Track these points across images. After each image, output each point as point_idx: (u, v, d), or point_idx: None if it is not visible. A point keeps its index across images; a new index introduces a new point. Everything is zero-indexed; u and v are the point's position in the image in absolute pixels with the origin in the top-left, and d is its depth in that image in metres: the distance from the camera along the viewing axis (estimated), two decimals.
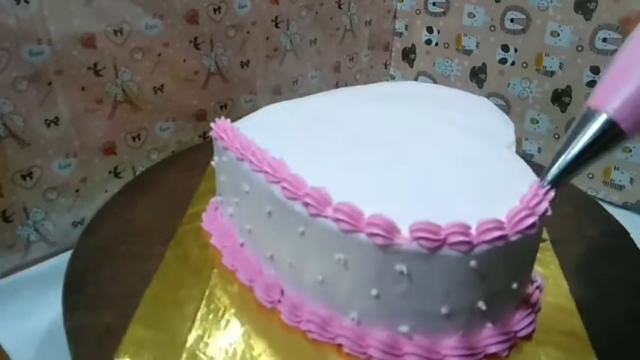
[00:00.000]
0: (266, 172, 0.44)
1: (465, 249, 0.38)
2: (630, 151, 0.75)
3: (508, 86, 0.84)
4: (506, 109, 0.85)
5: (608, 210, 0.63)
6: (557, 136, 0.81)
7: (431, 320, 0.41)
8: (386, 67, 1.01)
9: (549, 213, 0.40)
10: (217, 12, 0.72)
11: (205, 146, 0.74)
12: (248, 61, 0.79)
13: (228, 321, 0.46)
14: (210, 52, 0.74)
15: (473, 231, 0.38)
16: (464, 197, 0.42)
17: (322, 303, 0.44)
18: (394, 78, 1.01)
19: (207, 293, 0.48)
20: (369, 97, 0.59)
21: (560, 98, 0.79)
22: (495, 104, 0.63)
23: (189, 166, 0.68)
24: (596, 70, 0.75)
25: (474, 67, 0.87)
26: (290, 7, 0.81)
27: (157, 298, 0.48)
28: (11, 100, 0.58)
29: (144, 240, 0.56)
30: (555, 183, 0.42)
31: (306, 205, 0.40)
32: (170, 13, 0.67)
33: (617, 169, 0.77)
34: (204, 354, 0.43)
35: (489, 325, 0.42)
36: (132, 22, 0.64)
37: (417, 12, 0.92)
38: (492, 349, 0.42)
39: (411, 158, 0.47)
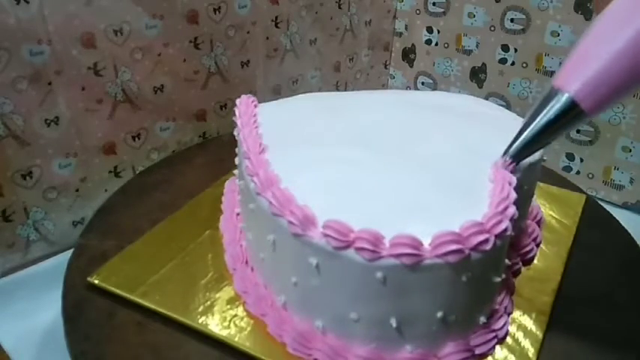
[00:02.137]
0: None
1: (370, 257, 0.37)
2: (630, 151, 0.75)
3: (508, 86, 0.84)
4: (506, 109, 0.85)
5: (608, 210, 0.63)
6: None
7: (342, 322, 0.41)
8: (386, 67, 1.01)
9: (488, 247, 0.38)
10: (217, 12, 0.72)
11: (205, 146, 0.75)
12: (248, 61, 0.79)
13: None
14: (210, 52, 0.74)
15: (386, 243, 0.38)
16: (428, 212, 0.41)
17: (263, 279, 0.47)
18: (394, 78, 1.01)
19: (188, 249, 0.54)
20: (398, 103, 0.59)
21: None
22: (495, 104, 0.64)
23: (190, 166, 0.68)
24: None
25: (474, 67, 0.87)
26: (290, 7, 0.81)
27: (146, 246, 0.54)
28: (11, 100, 0.58)
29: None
30: (517, 158, 0.44)
31: (256, 184, 0.44)
32: (170, 13, 0.67)
33: (617, 169, 0.77)
34: (161, 290, 0.49)
35: (407, 347, 0.41)
36: (132, 22, 0.64)
37: (417, 12, 0.92)
38: None
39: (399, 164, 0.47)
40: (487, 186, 0.43)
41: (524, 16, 0.79)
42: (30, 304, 0.58)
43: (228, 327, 0.45)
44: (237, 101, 0.56)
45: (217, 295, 0.48)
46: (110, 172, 0.70)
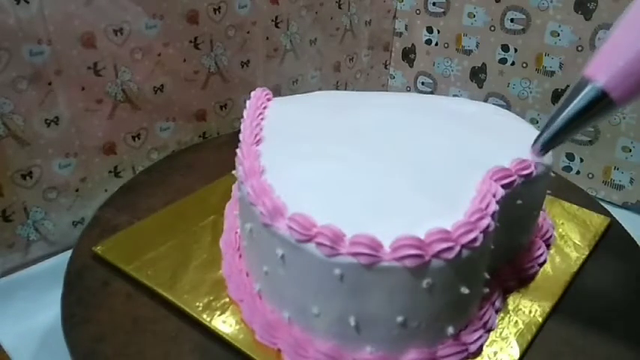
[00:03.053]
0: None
1: (329, 253, 0.38)
2: (630, 151, 0.75)
3: (508, 86, 0.84)
4: (506, 109, 0.85)
5: (608, 210, 0.63)
6: None
7: (305, 316, 0.41)
8: (386, 67, 1.01)
9: (451, 256, 0.38)
10: (217, 12, 0.72)
11: (205, 146, 0.75)
12: (248, 61, 0.79)
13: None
14: (210, 52, 0.74)
15: (346, 241, 0.38)
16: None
17: (245, 266, 0.49)
18: (394, 78, 1.01)
19: (190, 231, 0.56)
20: (409, 106, 0.58)
21: (560, 98, 0.79)
22: (495, 104, 0.63)
23: (190, 166, 0.68)
24: None
25: (474, 67, 0.87)
26: (290, 7, 0.81)
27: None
28: (11, 100, 0.58)
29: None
30: (546, 147, 0.46)
31: (240, 172, 0.46)
32: (170, 13, 0.67)
33: (617, 169, 0.77)
34: (153, 267, 0.51)
35: (367, 348, 0.41)
36: (132, 22, 0.64)
37: (417, 12, 0.92)
38: None
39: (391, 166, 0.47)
40: (471, 195, 0.42)
41: (524, 16, 0.79)
42: (30, 304, 0.58)
43: (208, 308, 0.47)
44: (252, 93, 0.58)
45: (205, 277, 0.50)
46: (110, 172, 0.70)
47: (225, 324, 0.45)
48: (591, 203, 0.65)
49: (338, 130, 0.52)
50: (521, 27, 0.80)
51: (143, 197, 0.62)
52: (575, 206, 0.62)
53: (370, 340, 0.41)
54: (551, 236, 0.56)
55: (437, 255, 0.38)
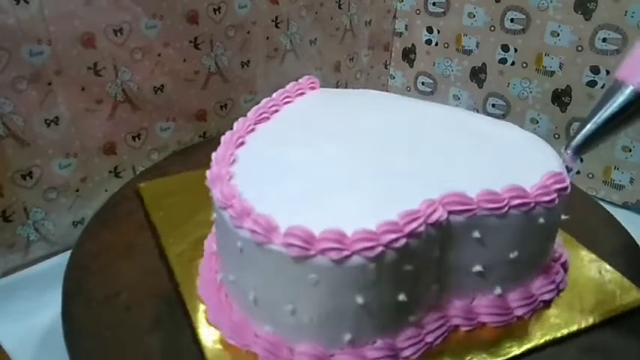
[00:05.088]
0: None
1: (261, 240, 0.39)
2: (630, 151, 0.75)
3: (508, 86, 0.84)
4: (506, 109, 0.85)
5: (608, 210, 0.63)
6: (557, 136, 0.81)
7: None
8: (386, 67, 1.01)
9: (336, 257, 0.37)
10: (217, 12, 0.72)
11: (205, 146, 0.75)
12: (248, 61, 0.79)
13: None
14: (210, 52, 0.74)
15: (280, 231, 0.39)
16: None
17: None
18: (394, 78, 1.01)
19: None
20: (430, 116, 0.56)
21: (560, 98, 0.79)
22: (495, 104, 0.63)
23: (190, 166, 0.68)
24: (596, 70, 0.75)
25: (474, 67, 0.87)
26: (290, 7, 0.81)
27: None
28: (11, 100, 0.58)
29: (144, 239, 0.56)
30: (579, 150, 0.44)
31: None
32: (170, 13, 0.67)
33: (617, 169, 0.77)
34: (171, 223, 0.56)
35: (266, 327, 0.42)
36: (132, 22, 0.64)
37: (417, 12, 0.92)
38: None
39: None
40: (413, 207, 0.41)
41: (524, 16, 0.79)
42: (30, 304, 0.58)
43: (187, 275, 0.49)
44: (301, 80, 0.61)
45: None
46: (110, 172, 0.70)
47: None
48: (591, 203, 0.64)
49: (344, 129, 0.52)
50: (521, 27, 0.80)
51: (102, 286, 0.53)
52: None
53: (269, 320, 0.42)
54: (565, 261, 0.51)
55: (323, 252, 0.37)
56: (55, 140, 0.62)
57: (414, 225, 0.39)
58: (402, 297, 0.40)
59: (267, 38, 0.80)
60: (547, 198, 0.43)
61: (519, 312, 0.46)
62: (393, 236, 0.38)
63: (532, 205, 0.43)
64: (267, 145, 0.50)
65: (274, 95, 0.56)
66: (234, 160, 0.47)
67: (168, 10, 0.67)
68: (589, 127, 0.43)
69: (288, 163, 0.47)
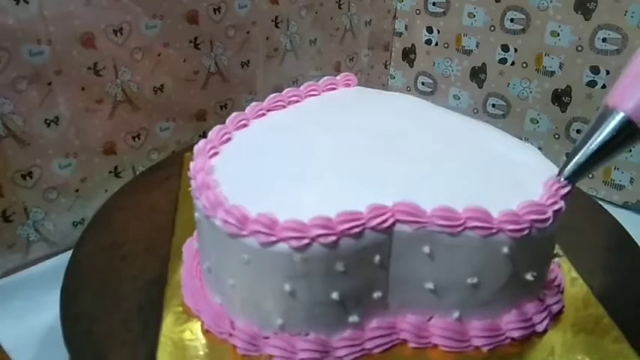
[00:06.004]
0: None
1: (232, 232, 0.39)
2: (630, 151, 0.75)
3: (508, 86, 0.84)
4: (506, 109, 0.85)
5: (608, 210, 0.63)
6: (557, 136, 0.81)
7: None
8: (386, 67, 1.01)
9: (300, 245, 0.39)
10: (217, 12, 0.72)
11: None
12: (248, 61, 0.79)
13: None
14: (210, 52, 0.74)
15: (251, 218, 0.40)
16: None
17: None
18: (394, 78, 1.01)
19: None
20: (447, 127, 0.54)
21: (560, 98, 0.79)
22: (495, 104, 0.63)
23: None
24: (596, 70, 0.75)
25: (474, 67, 0.87)
26: (290, 7, 0.81)
27: None
28: (11, 100, 0.58)
29: (144, 240, 0.56)
30: (572, 178, 0.44)
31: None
32: (170, 13, 0.67)
33: (617, 169, 0.77)
34: None
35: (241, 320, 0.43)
36: (132, 22, 0.64)
37: (417, 12, 0.92)
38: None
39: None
40: None
41: (524, 16, 0.79)
42: (30, 304, 0.58)
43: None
44: (339, 76, 0.62)
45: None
46: (110, 172, 0.70)
47: None
48: (591, 203, 0.64)
49: (348, 129, 0.52)
50: (521, 27, 0.80)
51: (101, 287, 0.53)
52: None
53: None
54: (560, 284, 0.49)
55: (254, 233, 0.39)
56: (55, 140, 0.62)
57: (347, 225, 0.39)
58: (335, 295, 0.40)
59: (267, 38, 0.80)
60: (513, 227, 0.40)
61: (478, 342, 0.44)
62: (322, 231, 0.38)
63: (494, 231, 0.40)
64: (264, 129, 0.52)
65: (302, 87, 0.58)
66: (228, 139, 0.50)
67: (168, 10, 0.67)
68: (581, 154, 0.43)
69: (271, 148, 0.49)
